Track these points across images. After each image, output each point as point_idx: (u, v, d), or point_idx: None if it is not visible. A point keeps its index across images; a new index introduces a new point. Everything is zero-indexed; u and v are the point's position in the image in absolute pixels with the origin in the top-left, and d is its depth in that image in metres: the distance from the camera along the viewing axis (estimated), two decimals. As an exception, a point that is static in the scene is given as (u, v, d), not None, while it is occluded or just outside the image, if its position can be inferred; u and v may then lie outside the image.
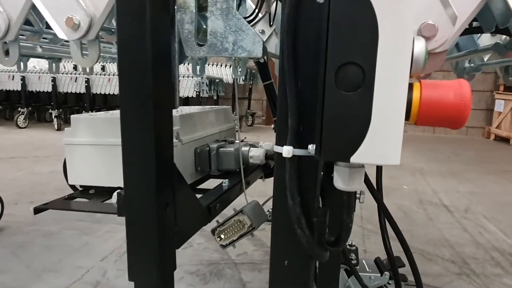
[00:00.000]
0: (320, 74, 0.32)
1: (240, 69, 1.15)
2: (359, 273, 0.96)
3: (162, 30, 0.42)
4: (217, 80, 4.80)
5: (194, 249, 1.63)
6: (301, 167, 0.37)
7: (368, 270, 1.02)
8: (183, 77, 4.32)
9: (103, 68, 4.80)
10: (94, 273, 1.39)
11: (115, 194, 0.46)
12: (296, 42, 0.35)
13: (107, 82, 4.53)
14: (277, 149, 0.38)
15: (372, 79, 0.30)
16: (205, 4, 0.46)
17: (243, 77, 5.09)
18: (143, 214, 0.43)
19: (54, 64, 1.33)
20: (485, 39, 0.88)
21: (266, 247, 1.68)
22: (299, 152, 0.37)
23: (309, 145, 0.34)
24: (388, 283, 1.01)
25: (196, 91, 4.43)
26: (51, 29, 0.65)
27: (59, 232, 1.77)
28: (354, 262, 1.01)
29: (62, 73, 4.50)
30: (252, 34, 0.40)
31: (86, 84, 4.50)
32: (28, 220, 1.89)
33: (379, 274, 1.01)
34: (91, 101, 4.69)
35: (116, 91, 4.52)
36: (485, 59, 0.93)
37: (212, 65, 4.92)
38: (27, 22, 0.60)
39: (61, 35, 0.51)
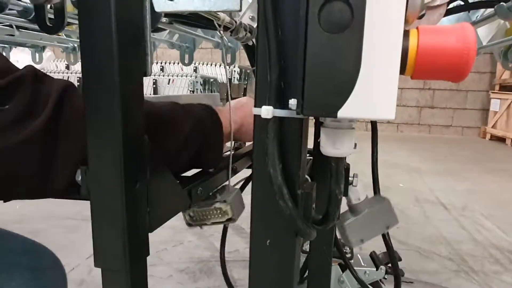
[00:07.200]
0: (301, 13, 0.27)
1: (229, 57, 1.11)
2: (354, 268, 0.91)
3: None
4: (212, 80, 4.75)
5: (184, 246, 1.58)
6: (283, 130, 0.33)
7: (363, 264, 0.98)
8: (177, 76, 4.27)
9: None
10: (80, 271, 1.34)
11: (79, 170, 0.41)
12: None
13: (100, 82, 4.46)
14: (256, 111, 0.33)
15: (361, 17, 0.26)
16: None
17: (238, 77, 5.05)
18: (109, 190, 0.39)
19: (37, 54, 1.27)
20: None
21: (259, 245, 1.63)
22: (281, 113, 0.32)
23: (290, 100, 0.30)
24: (384, 277, 0.97)
25: (190, 90, 4.38)
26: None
27: (45, 230, 1.71)
28: (348, 256, 0.96)
29: (54, 72, 4.43)
30: (228, -15, 0.35)
31: (79, 84, 4.43)
32: (15, 218, 1.83)
33: (375, 269, 0.97)
34: (84, 101, 4.61)
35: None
36: (484, 43, 0.89)
37: (207, 64, 4.88)
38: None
39: (24, -2, 0.46)
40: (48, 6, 0.61)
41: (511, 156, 3.96)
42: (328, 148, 0.31)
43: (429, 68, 0.29)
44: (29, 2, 0.59)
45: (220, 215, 0.57)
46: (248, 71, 5.08)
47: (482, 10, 0.84)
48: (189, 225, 0.58)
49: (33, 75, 0.42)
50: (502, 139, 4.73)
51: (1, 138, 0.38)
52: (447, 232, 1.78)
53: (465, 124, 5.35)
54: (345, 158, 0.59)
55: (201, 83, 4.50)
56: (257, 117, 0.34)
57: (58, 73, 4.46)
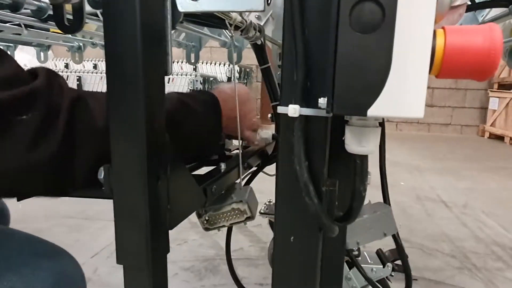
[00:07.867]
0: (332, 14, 0.28)
1: (235, 56, 1.11)
2: (361, 265, 0.92)
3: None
4: (211, 79, 4.75)
5: (189, 245, 1.58)
6: (309, 129, 0.34)
7: (369, 261, 0.99)
8: (177, 75, 4.27)
9: (95, 67, 4.73)
10: (85, 269, 1.33)
11: (101, 168, 0.41)
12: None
13: (99, 80, 4.46)
14: (282, 110, 0.34)
15: (392, 17, 0.26)
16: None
17: (237, 76, 5.05)
18: (132, 187, 0.39)
19: (42, 53, 1.28)
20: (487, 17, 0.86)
21: (262, 243, 1.64)
22: (307, 111, 0.33)
23: (319, 99, 0.30)
24: (391, 275, 0.97)
25: (190, 89, 4.39)
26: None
27: (48, 229, 1.71)
28: (355, 253, 0.97)
29: (54, 71, 4.41)
30: (252, -15, 0.36)
31: (78, 83, 4.43)
32: (18, 217, 1.82)
33: (381, 266, 0.97)
34: (83, 100, 4.60)
35: (109, 90, 4.43)
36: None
37: (206, 63, 4.87)
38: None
39: (44, -2, 0.47)
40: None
41: (510, 154, 3.99)
42: (354, 146, 0.32)
43: (455, 68, 0.29)
44: (43, 1, 0.59)
45: (238, 215, 0.57)
46: (248, 70, 5.08)
47: (487, 10, 0.85)
48: (207, 229, 0.58)
49: (46, 86, 0.42)
50: (500, 137, 4.75)
51: (22, 153, 0.38)
52: (449, 230, 1.80)
53: (464, 123, 5.38)
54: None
55: (201, 82, 4.50)
56: (282, 116, 0.35)
57: (58, 72, 4.45)
